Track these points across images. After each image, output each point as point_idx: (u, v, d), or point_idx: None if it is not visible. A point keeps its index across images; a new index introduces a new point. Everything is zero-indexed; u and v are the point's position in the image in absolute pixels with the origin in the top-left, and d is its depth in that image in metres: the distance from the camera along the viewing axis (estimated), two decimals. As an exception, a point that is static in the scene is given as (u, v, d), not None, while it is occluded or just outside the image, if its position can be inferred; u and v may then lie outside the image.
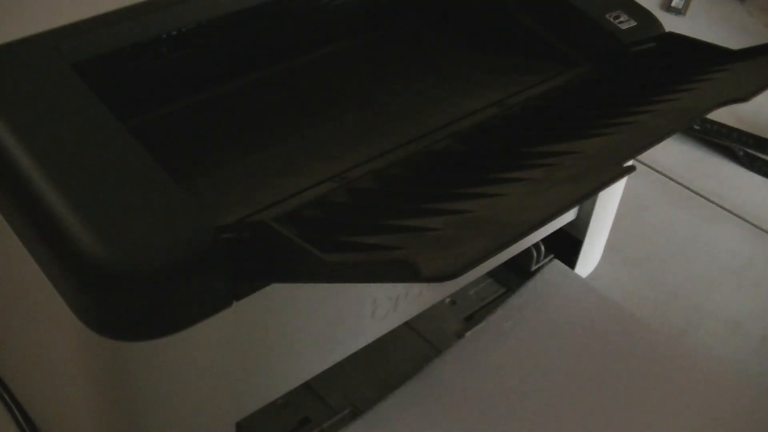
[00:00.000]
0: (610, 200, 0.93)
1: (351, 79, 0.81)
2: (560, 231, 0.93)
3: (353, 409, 0.81)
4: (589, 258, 0.98)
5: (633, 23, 0.82)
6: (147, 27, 0.70)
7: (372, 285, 0.73)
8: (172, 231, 0.56)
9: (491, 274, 0.94)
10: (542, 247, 0.95)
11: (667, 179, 1.18)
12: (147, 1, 0.71)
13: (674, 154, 1.22)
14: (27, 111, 0.62)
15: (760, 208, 1.14)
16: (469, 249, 0.49)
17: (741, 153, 1.22)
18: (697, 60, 0.79)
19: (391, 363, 0.86)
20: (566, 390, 0.84)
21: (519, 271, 0.95)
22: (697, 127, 1.24)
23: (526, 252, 0.94)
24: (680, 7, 1.51)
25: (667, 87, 0.74)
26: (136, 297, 0.55)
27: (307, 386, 0.79)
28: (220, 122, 0.75)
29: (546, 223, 0.51)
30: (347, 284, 0.71)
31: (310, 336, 0.72)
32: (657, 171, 1.19)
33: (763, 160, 1.21)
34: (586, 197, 0.55)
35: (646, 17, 0.84)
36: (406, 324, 0.83)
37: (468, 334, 0.88)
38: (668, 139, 0.65)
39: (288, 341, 0.70)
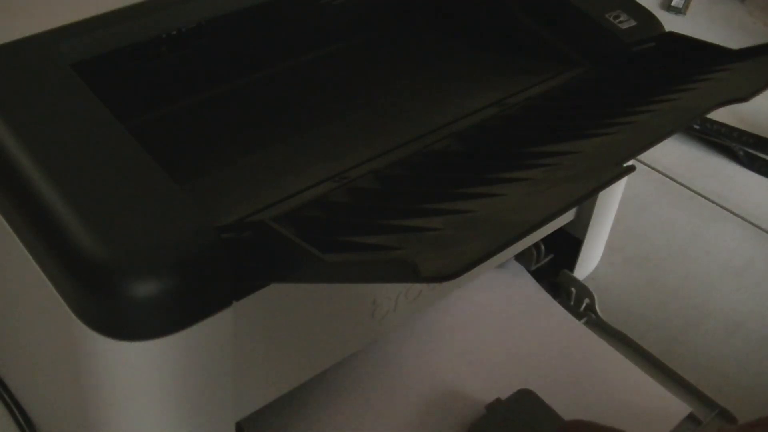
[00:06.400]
0: (610, 200, 0.93)
1: (351, 79, 0.81)
2: (560, 231, 0.92)
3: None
4: (589, 258, 0.98)
5: (633, 23, 0.82)
6: (147, 27, 0.70)
7: (372, 285, 0.73)
8: (171, 231, 0.56)
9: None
10: (542, 247, 0.95)
11: (667, 179, 1.18)
12: (147, 1, 0.71)
13: (674, 154, 1.22)
14: (27, 111, 0.62)
15: (760, 208, 1.14)
16: (469, 249, 0.49)
17: (741, 153, 1.22)
18: (697, 60, 0.79)
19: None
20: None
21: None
22: (697, 127, 1.24)
23: (526, 252, 0.94)
24: (680, 6, 1.51)
25: (667, 87, 0.74)
26: (135, 297, 0.55)
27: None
28: (220, 122, 0.75)
29: (546, 223, 0.51)
30: (347, 284, 0.71)
31: (309, 336, 0.72)
32: (657, 171, 1.19)
33: (763, 159, 1.21)
34: (586, 197, 0.55)
35: (646, 17, 0.84)
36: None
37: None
38: (668, 139, 0.65)
39: (288, 341, 0.70)
